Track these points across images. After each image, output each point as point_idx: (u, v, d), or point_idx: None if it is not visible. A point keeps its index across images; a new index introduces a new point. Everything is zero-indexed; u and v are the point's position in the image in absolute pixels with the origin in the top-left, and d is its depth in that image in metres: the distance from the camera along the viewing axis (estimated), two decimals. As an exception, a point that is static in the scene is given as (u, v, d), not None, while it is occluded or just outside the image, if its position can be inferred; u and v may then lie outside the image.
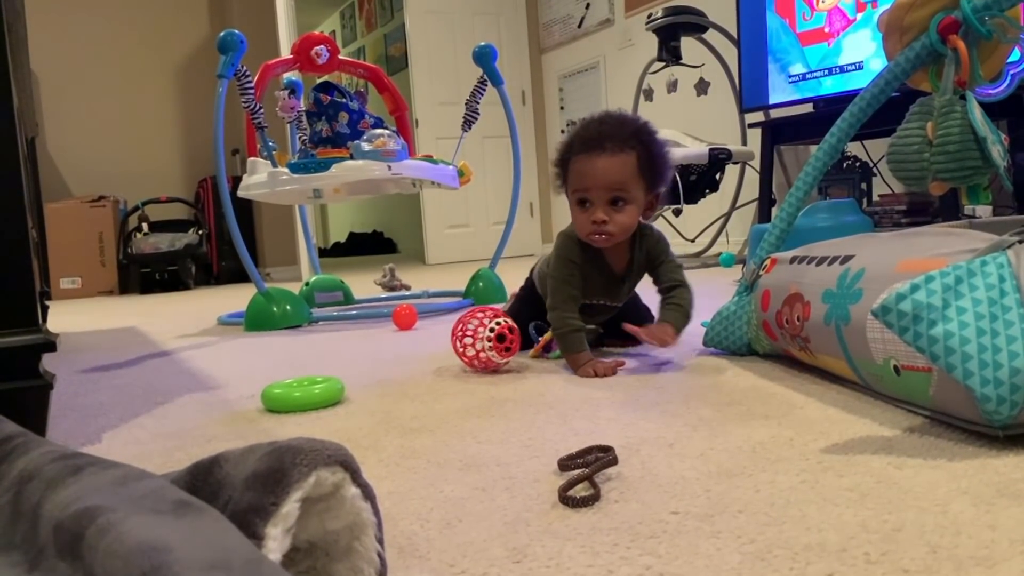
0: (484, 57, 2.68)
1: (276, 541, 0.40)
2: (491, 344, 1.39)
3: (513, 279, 3.27)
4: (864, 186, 3.16)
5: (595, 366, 1.33)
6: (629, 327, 1.36)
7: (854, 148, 3.24)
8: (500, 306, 1.56)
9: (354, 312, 2.63)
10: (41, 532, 0.41)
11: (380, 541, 0.48)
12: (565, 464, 0.82)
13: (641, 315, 1.58)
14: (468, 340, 1.41)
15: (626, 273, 1.48)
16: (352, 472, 0.46)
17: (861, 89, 1.31)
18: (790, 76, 3.24)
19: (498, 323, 1.40)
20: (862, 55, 2.96)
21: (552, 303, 1.43)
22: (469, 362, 1.43)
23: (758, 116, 3.52)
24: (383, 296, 3.17)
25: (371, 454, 0.95)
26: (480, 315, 1.43)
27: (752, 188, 3.68)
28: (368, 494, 0.47)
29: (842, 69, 3.03)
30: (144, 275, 5.02)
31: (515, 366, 1.46)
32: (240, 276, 5.10)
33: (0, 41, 1.01)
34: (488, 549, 0.64)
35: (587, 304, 1.49)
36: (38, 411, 1.02)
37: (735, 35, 3.52)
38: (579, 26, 5.64)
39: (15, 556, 0.43)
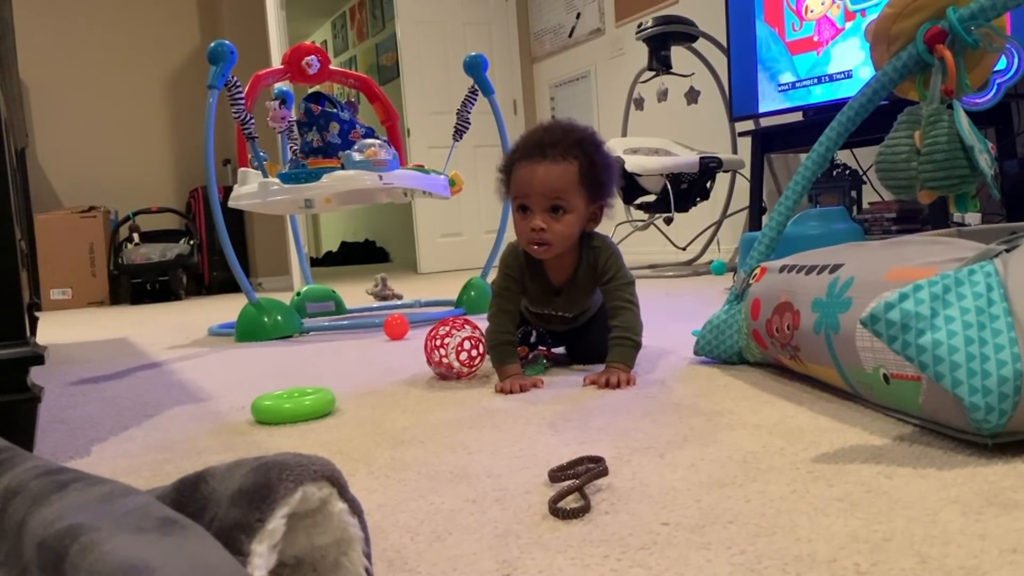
0: (475, 67, 2.69)
1: (262, 558, 0.39)
2: (455, 353, 1.46)
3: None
4: (854, 194, 3.17)
5: (519, 381, 1.33)
6: (589, 378, 1.33)
7: (844, 156, 3.26)
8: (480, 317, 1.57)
9: (345, 322, 2.62)
10: (25, 550, 0.41)
11: (368, 556, 0.48)
12: (556, 475, 0.82)
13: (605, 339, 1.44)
14: (439, 347, 1.47)
15: (564, 285, 1.45)
16: (339, 487, 0.46)
17: (850, 98, 1.32)
18: (780, 85, 3.25)
19: (466, 333, 1.47)
20: (851, 64, 2.97)
21: (488, 314, 1.46)
22: (437, 365, 1.48)
23: (748, 125, 3.53)
24: (375, 306, 3.17)
25: (361, 466, 0.94)
26: (448, 326, 1.49)
27: (742, 196, 3.70)
28: (355, 509, 0.47)
29: (831, 78, 3.05)
30: (135, 285, 5.00)
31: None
32: (231, 286, 5.09)
33: (-12, 53, 1.01)
34: (478, 562, 0.64)
35: (537, 313, 1.52)
36: (26, 425, 1.02)
37: (725, 44, 3.54)
38: (570, 35, 5.66)
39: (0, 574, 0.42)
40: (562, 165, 1.34)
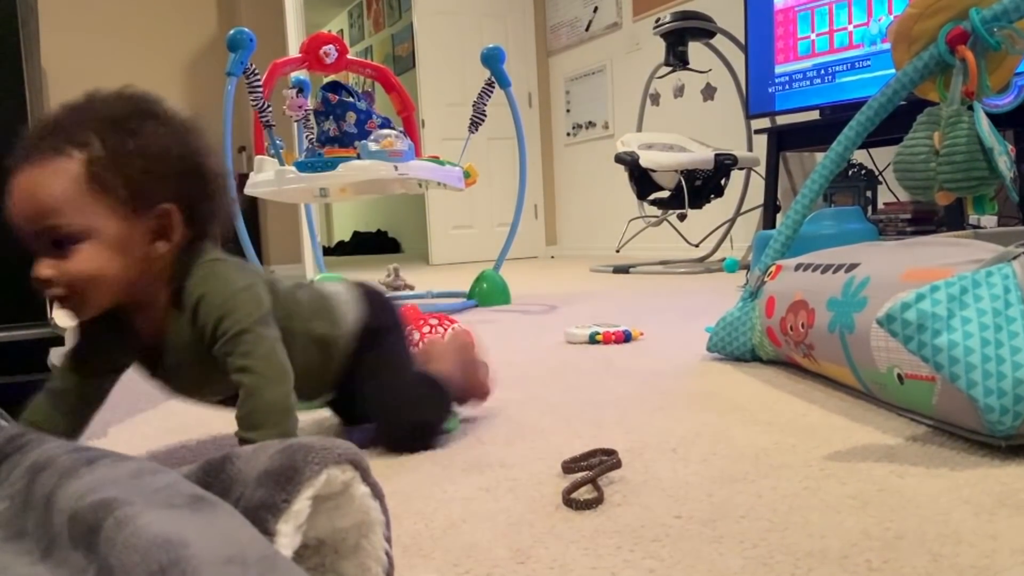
0: (492, 59, 2.69)
1: (287, 537, 0.40)
2: None
3: (517, 281, 3.26)
4: (869, 194, 3.16)
5: None
6: None
7: (860, 156, 3.24)
8: None
9: (358, 311, 2.63)
10: (54, 521, 0.41)
11: (388, 540, 0.49)
12: (569, 467, 0.82)
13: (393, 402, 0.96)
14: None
15: (165, 347, 0.85)
16: (362, 471, 0.47)
17: (869, 97, 1.32)
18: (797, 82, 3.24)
19: (453, 329, 1.45)
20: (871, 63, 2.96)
21: None
22: None
23: (764, 122, 3.52)
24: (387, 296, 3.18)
25: (375, 454, 0.95)
26: (433, 322, 1.48)
27: (757, 194, 3.68)
28: (377, 493, 0.48)
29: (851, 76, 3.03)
30: (148, 271, 5.02)
31: (518, 369, 1.47)
32: (244, 273, 5.11)
33: (13, 38, 1.02)
34: (492, 550, 0.65)
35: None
36: (45, 405, 1.03)
37: (743, 41, 3.53)
38: (586, 29, 5.64)
39: (27, 543, 0.43)
40: (51, 165, 0.77)
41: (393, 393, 0.96)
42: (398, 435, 0.95)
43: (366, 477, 0.46)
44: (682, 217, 3.69)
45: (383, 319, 1.01)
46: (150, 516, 0.35)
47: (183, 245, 0.83)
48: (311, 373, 0.91)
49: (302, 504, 0.42)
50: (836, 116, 3.00)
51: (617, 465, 0.81)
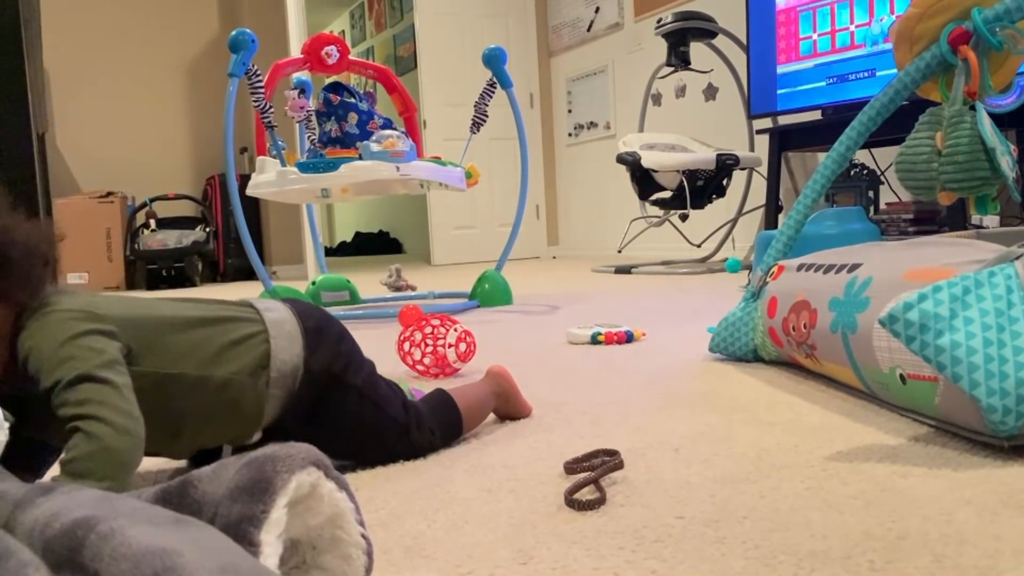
0: (494, 59, 2.69)
1: (272, 547, 0.41)
2: (453, 348, 1.47)
3: (519, 281, 3.27)
4: (871, 194, 3.16)
5: None
6: None
7: (862, 156, 3.24)
8: None
9: (360, 312, 2.64)
10: (18, 552, 0.40)
11: (361, 523, 0.50)
12: (571, 467, 0.82)
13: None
14: (426, 345, 1.48)
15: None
16: (324, 469, 0.48)
17: (871, 97, 1.32)
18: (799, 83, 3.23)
19: (456, 329, 1.48)
20: (872, 64, 2.96)
21: None
22: (426, 370, 1.48)
23: (766, 122, 3.51)
24: (389, 296, 3.18)
25: (378, 454, 0.95)
26: (435, 323, 1.49)
27: (759, 194, 3.68)
28: (342, 485, 0.50)
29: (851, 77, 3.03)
30: (151, 271, 5.03)
31: (519, 370, 1.47)
32: (246, 274, 5.12)
33: (16, 38, 1.02)
34: (495, 550, 0.65)
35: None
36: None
37: (744, 41, 3.52)
38: (588, 30, 5.64)
39: None
40: None
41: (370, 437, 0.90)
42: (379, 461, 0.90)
43: (329, 474, 0.48)
44: (684, 217, 3.69)
45: (333, 361, 0.88)
46: (136, 530, 0.35)
47: (10, 318, 0.74)
48: (215, 419, 0.82)
49: (280, 512, 0.43)
50: (838, 116, 3.00)
51: (619, 466, 0.81)
